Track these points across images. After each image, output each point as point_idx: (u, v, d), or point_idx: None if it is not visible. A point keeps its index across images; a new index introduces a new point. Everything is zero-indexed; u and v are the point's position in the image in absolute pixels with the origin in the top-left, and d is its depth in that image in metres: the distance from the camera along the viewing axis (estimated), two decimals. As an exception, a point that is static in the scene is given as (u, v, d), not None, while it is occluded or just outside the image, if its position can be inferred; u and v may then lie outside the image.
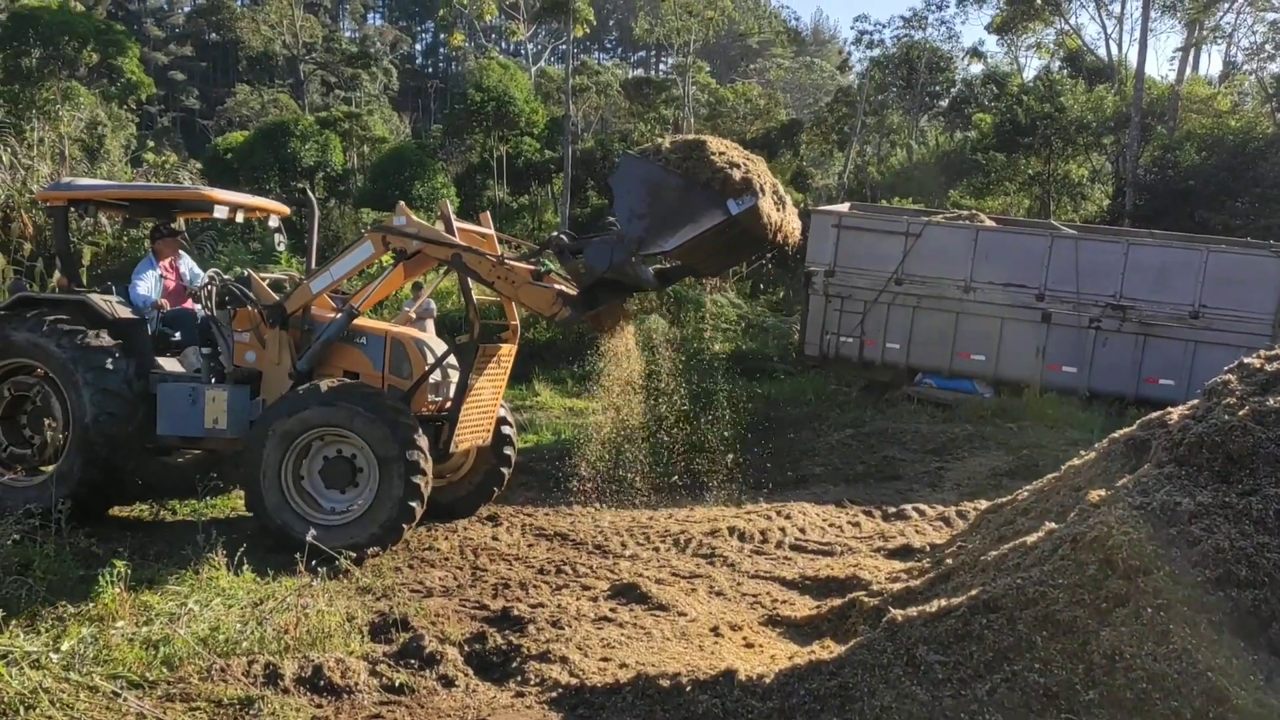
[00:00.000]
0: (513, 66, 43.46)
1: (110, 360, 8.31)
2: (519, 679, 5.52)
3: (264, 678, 5.09)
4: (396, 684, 5.27)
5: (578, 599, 7.04)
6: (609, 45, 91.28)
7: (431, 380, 8.48)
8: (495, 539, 8.79)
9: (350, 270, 8.72)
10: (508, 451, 9.57)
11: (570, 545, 8.68)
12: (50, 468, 8.41)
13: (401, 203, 9.40)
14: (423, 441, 7.95)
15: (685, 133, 36.51)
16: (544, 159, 38.38)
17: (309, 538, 5.86)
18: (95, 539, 7.36)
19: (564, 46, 36.27)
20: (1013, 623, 4.69)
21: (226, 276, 8.90)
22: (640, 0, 52.85)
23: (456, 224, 8.61)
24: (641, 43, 57.70)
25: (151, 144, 33.63)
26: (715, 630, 6.50)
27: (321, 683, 5.15)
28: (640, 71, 70.81)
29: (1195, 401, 5.68)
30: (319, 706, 5.01)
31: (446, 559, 8.09)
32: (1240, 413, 5.08)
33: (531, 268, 8.37)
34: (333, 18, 72.42)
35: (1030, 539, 5.43)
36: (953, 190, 29.99)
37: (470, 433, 8.88)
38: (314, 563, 6.27)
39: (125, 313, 8.73)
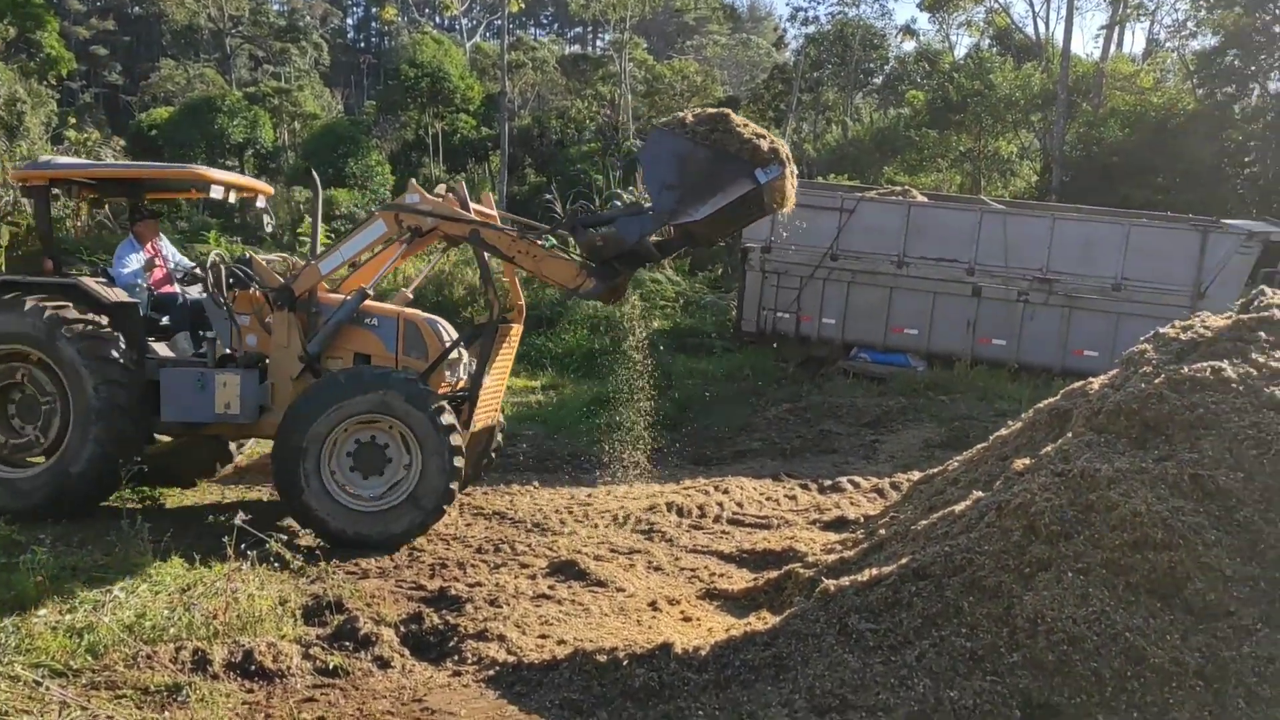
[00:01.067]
0: (447, 42, 42.89)
1: (114, 349, 8.04)
2: (456, 658, 5.51)
3: (192, 664, 5.02)
4: (331, 666, 5.23)
5: (516, 577, 7.03)
6: (545, 21, 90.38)
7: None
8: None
9: (361, 250, 8.60)
10: (498, 434, 9.61)
11: (509, 524, 8.65)
12: (39, 460, 8.11)
13: (413, 180, 9.26)
14: (457, 423, 7.99)
15: (621, 109, 36.48)
16: (480, 136, 38.01)
17: (238, 521, 5.75)
18: (16, 526, 7.19)
19: (499, 22, 35.82)
20: (941, 589, 4.80)
21: (227, 259, 8.74)
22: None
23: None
24: (578, 19, 57.27)
25: (73, 121, 32.51)
26: (653, 605, 6.54)
27: (252, 667, 5.09)
28: (577, 48, 70.27)
29: (1114, 371, 5.84)
30: (250, 691, 4.95)
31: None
32: (1156, 381, 5.23)
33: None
34: (260, -9, 70.74)
35: (958, 508, 5.56)
36: (887, 167, 30.29)
37: (484, 412, 8.84)
38: (243, 546, 6.18)
39: (119, 297, 8.41)
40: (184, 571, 6.34)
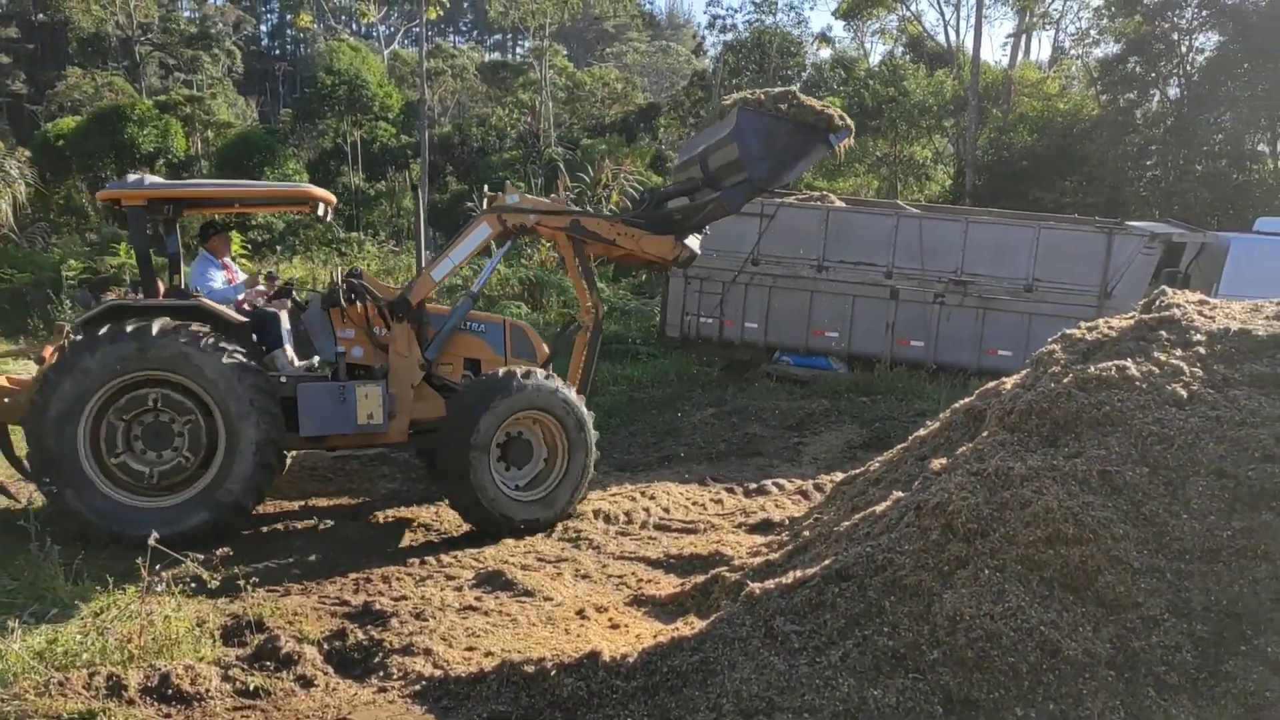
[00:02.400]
0: (364, 49, 42.33)
1: (257, 371, 8.04)
2: (381, 674, 5.45)
3: (107, 690, 4.87)
4: (251, 688, 5.12)
5: (442, 589, 6.97)
6: (464, 28, 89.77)
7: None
8: (359, 532, 8.60)
9: (470, 254, 9.08)
10: None
11: (435, 535, 8.57)
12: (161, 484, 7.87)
13: (509, 181, 9.87)
14: None
15: (542, 116, 36.37)
16: (400, 144, 37.60)
17: (152, 541, 5.58)
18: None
19: (417, 29, 35.43)
20: (863, 589, 4.88)
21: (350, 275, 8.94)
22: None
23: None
24: (497, 26, 56.94)
25: (-27, 130, 31.35)
26: (581, 613, 6.54)
27: (169, 691, 4.96)
28: (497, 55, 69.96)
29: (1025, 371, 6.00)
30: (167, 716, 4.83)
31: (306, 555, 7.89)
32: (1064, 380, 5.39)
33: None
34: (170, -3, 68.97)
35: (879, 508, 5.66)
36: (805, 172, 30.70)
37: None
38: (158, 567, 6.01)
39: (237, 317, 8.34)
40: (97, 595, 6.16)
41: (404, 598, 6.75)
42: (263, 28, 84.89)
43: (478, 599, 6.77)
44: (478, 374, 9.09)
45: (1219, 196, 24.21)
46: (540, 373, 8.72)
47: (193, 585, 6.00)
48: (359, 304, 8.71)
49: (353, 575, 7.37)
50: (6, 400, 8.32)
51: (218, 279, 8.88)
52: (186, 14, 63.43)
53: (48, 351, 8.44)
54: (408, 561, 7.73)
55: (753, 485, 10.03)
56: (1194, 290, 13.59)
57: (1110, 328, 5.79)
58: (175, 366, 7.71)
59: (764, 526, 8.61)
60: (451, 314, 9.08)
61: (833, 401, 13.38)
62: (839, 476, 8.86)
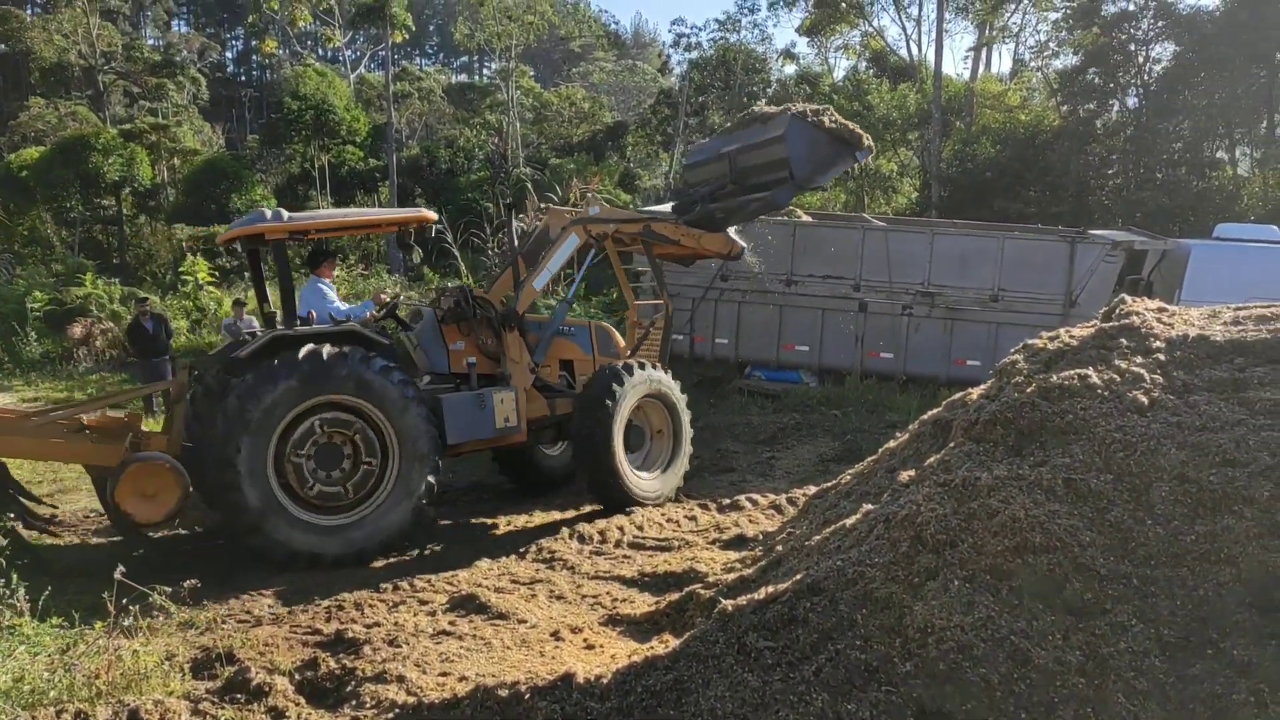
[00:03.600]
0: (330, 74, 42.20)
1: (418, 388, 8.58)
2: (354, 703, 5.38)
3: (75, 728, 4.79)
4: (221, 721, 5.06)
5: (415, 614, 6.92)
6: (430, 51, 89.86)
7: None
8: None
9: (563, 263, 9.99)
10: None
11: (407, 559, 8.51)
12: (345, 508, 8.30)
13: (589, 194, 11.39)
14: None
15: (510, 136, 36.40)
16: (368, 167, 37.49)
17: (117, 575, 5.50)
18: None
19: (384, 53, 35.40)
20: (835, 604, 4.89)
21: (460, 291, 9.74)
22: (460, 5, 52.24)
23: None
24: (463, 48, 57.03)
25: (-65, 163, 30.98)
26: (555, 635, 6.51)
27: (139, 728, 4.88)
28: (464, 77, 70.02)
29: (990, 382, 6.06)
30: (136, 753, 4.75)
31: (277, 583, 7.80)
32: (1028, 390, 5.45)
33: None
34: (134, 25, 68.50)
35: (849, 521, 5.68)
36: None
37: None
38: (125, 601, 5.92)
39: (384, 339, 8.78)
40: (64, 630, 6.06)
41: (377, 624, 6.69)
42: (228, 54, 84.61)
43: (451, 623, 6.71)
44: (572, 374, 10.13)
45: (1180, 204, 24.58)
46: (650, 365, 9.80)
47: (160, 619, 5.94)
48: (472, 316, 9.43)
49: (325, 602, 7.29)
50: (98, 443, 8.23)
51: (338, 301, 9.39)
52: (151, 42, 63.17)
53: (171, 389, 8.67)
54: (380, 586, 7.65)
55: (726, 501, 10.03)
56: (1156, 297, 13.86)
57: (1071, 336, 5.86)
58: (354, 390, 8.13)
59: (738, 542, 8.62)
60: (551, 320, 10.00)
61: (804, 415, 13.44)
62: (811, 490, 8.89)
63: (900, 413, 13.00)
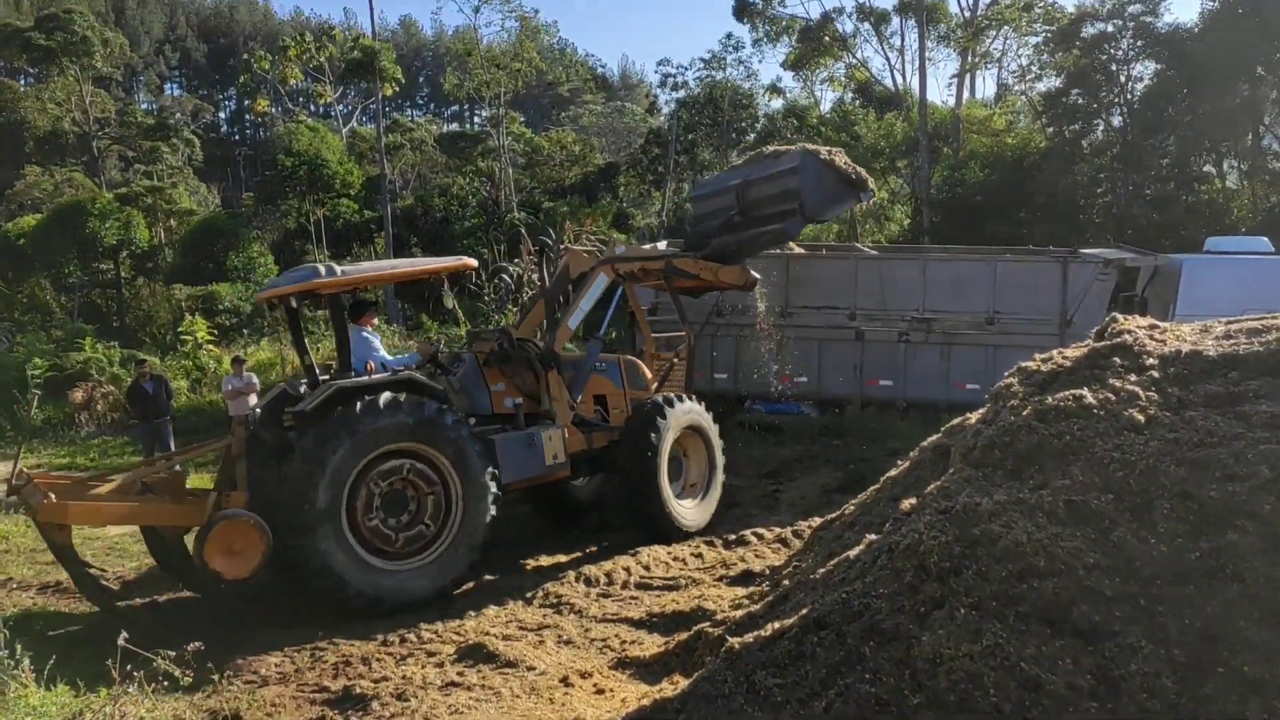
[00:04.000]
0: (322, 129, 42.63)
1: (471, 432, 8.85)
2: (363, 761, 5.35)
3: (82, 798, 4.75)
4: (230, 785, 5.01)
5: (423, 667, 6.88)
6: (421, 101, 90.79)
7: None
8: (332, 611, 8.46)
9: (594, 302, 10.48)
10: None
11: (412, 610, 8.44)
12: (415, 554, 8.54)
13: (614, 235, 11.80)
14: None
15: (503, 182, 36.66)
16: (363, 219, 37.73)
17: (121, 641, 5.47)
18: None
19: (374, 106, 35.75)
20: (842, 637, 4.85)
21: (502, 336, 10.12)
22: (448, 56, 52.83)
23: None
24: (453, 98, 57.60)
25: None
26: (565, 680, 6.47)
27: (147, 795, 4.84)
28: (455, 126, 70.66)
29: (986, 407, 6.06)
30: (145, 821, 4.70)
31: (283, 643, 7.74)
32: (1024, 413, 5.44)
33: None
34: (127, 90, 69.29)
35: (853, 553, 5.65)
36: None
37: None
38: (129, 667, 5.88)
39: (436, 385, 9.08)
40: (70, 700, 6.01)
41: (385, 679, 6.66)
42: (222, 114, 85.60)
43: (460, 674, 6.68)
44: (605, 408, 10.52)
45: (1169, 219, 24.69)
46: (684, 397, 10.32)
47: (165, 684, 5.88)
48: (516, 358, 9.76)
49: (331, 659, 7.26)
50: (179, 504, 8.41)
51: (383, 349, 9.64)
52: (144, 106, 63.84)
53: (232, 446, 8.71)
54: (386, 639, 7.63)
55: (732, 536, 10.00)
56: (1150, 313, 13.88)
57: (1065, 357, 5.87)
58: (419, 436, 8.42)
59: (745, 578, 8.59)
60: (587, 357, 10.38)
61: (806, 446, 13.42)
62: (817, 522, 8.86)
63: (902, 440, 12.94)
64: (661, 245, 18.51)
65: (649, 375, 10.92)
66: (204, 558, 7.71)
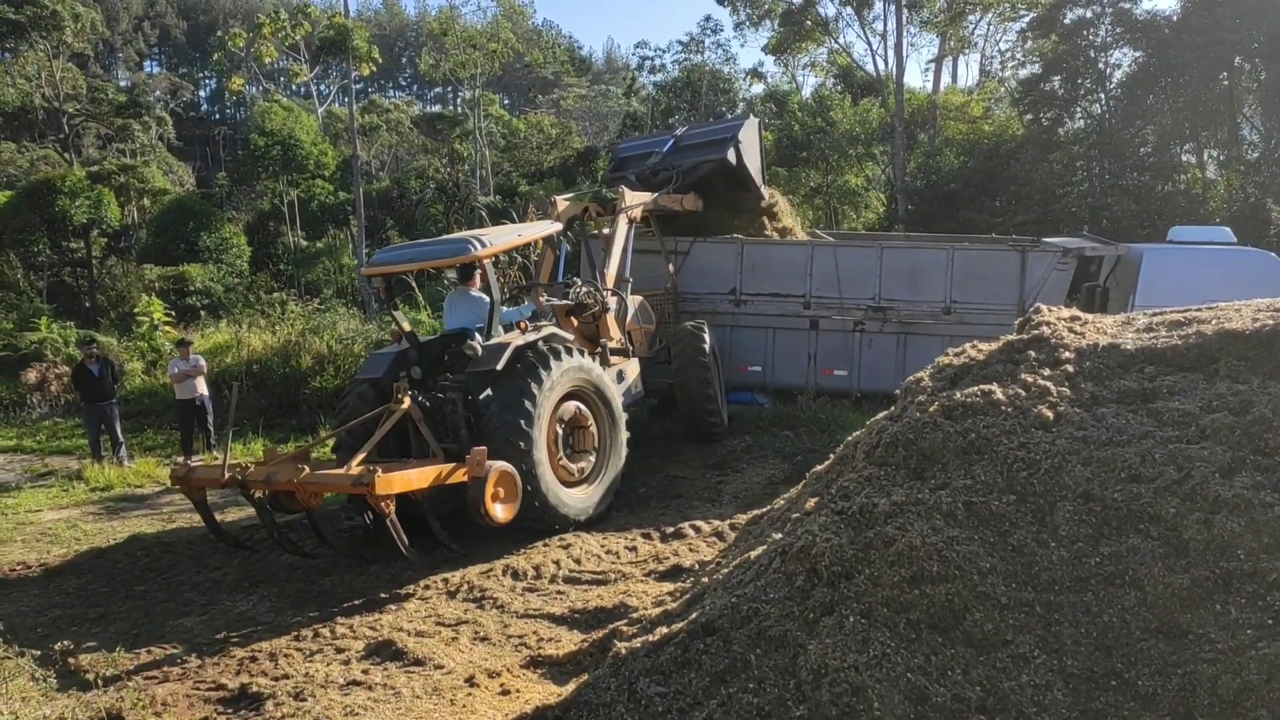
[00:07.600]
0: (297, 109, 42.09)
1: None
2: (237, 767, 5.11)
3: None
4: (90, 793, 4.78)
5: (329, 664, 6.64)
6: (404, 83, 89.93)
7: None
8: (252, 605, 8.23)
9: (630, 245, 12.91)
10: None
11: (333, 603, 8.19)
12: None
13: (621, 186, 13.63)
14: None
15: (478, 164, 36.25)
16: (338, 201, 37.32)
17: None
18: None
19: (353, 86, 35.23)
20: (729, 644, 4.64)
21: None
22: (425, 37, 52.26)
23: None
24: (431, 80, 57.03)
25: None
26: (470, 680, 6.24)
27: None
28: (438, 108, 69.97)
29: (896, 404, 5.83)
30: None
31: (196, 635, 7.48)
32: (931, 409, 5.21)
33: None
34: (104, 67, 68.41)
35: (753, 553, 5.43)
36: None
37: None
38: (21, 651, 5.62)
39: (569, 335, 10.51)
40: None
41: (286, 676, 6.41)
42: (201, 93, 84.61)
43: (365, 671, 6.44)
44: (631, 341, 12.21)
45: (1145, 208, 24.49)
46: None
47: (53, 681, 5.65)
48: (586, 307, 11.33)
49: (239, 654, 7.01)
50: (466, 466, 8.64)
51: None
52: (121, 83, 63.03)
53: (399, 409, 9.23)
54: (300, 634, 7.36)
55: (669, 529, 9.73)
56: (1112, 303, 13.65)
57: (978, 351, 5.65)
58: (593, 380, 10.11)
59: (674, 573, 8.33)
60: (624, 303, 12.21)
61: (755, 437, 13.14)
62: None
63: (853, 431, 12.71)
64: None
65: (652, 313, 13.22)
66: (484, 506, 8.29)
